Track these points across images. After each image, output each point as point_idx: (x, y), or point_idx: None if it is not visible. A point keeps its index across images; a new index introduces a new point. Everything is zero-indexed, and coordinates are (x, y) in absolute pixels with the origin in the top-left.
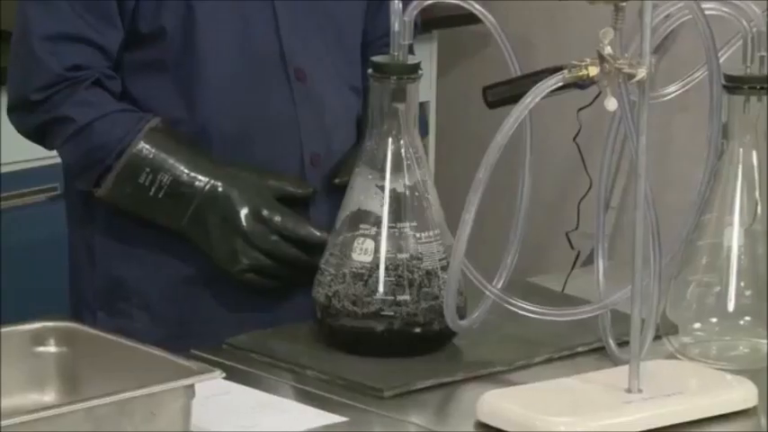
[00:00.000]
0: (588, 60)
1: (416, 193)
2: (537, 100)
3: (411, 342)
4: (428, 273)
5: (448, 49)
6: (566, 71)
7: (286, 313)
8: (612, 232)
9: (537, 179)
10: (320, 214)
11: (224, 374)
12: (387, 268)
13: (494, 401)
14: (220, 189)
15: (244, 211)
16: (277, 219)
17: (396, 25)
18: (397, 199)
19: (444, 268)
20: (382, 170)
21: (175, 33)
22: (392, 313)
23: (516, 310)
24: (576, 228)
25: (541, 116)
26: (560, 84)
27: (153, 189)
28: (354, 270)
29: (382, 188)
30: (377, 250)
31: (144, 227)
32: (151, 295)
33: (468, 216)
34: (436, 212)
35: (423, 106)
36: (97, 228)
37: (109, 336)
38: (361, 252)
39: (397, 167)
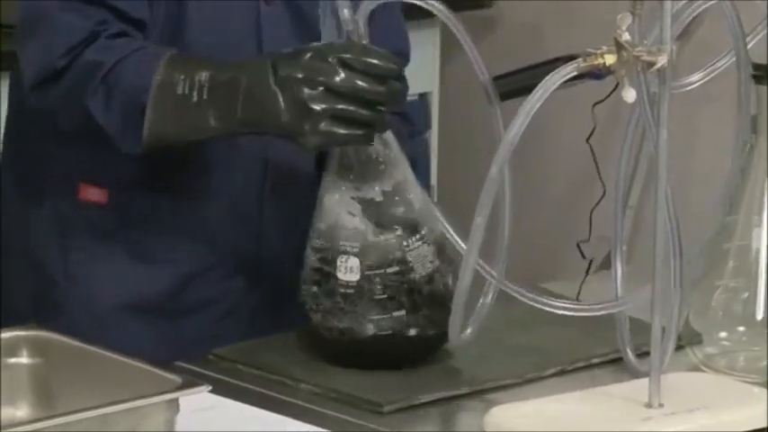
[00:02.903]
0: (605, 48)
1: (397, 198)
2: (550, 92)
3: (414, 351)
4: (419, 279)
5: (451, 35)
6: (580, 60)
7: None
8: (631, 234)
9: (548, 180)
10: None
11: (210, 387)
12: (377, 285)
13: (503, 416)
14: (266, 58)
15: (299, 57)
16: (340, 46)
17: (348, 23)
18: (377, 209)
19: (438, 268)
20: (356, 180)
21: (164, 29)
22: (390, 331)
23: (545, 308)
24: (588, 239)
25: (553, 112)
26: (574, 73)
27: (195, 93)
28: (342, 291)
29: (359, 199)
30: (363, 268)
31: (92, 253)
32: (81, 320)
33: (481, 220)
34: (421, 208)
35: (424, 97)
36: (46, 243)
37: (87, 346)
38: (347, 271)
39: (371, 174)
